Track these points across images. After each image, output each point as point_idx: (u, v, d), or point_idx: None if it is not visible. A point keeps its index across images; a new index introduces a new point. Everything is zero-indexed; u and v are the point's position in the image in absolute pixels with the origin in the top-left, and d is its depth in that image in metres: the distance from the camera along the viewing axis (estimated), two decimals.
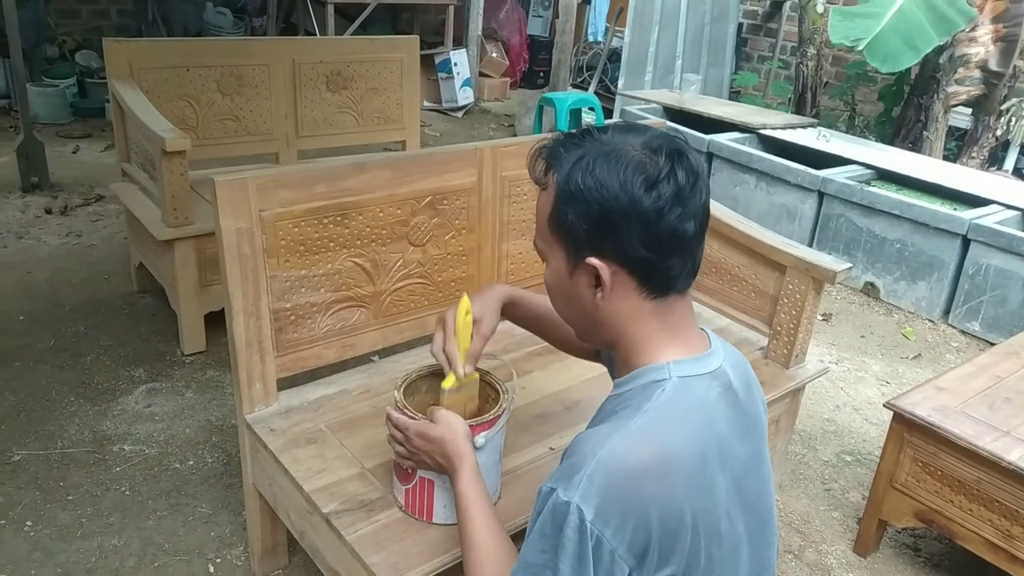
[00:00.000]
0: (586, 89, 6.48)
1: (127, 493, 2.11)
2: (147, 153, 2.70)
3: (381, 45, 3.48)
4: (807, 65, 4.92)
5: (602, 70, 6.52)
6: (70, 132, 5.03)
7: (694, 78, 4.68)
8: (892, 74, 4.59)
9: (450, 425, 1.28)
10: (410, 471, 1.39)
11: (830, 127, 4.91)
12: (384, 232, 1.78)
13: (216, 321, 2.77)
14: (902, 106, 4.78)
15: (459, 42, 6.56)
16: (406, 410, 1.33)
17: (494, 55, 6.99)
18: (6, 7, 3.66)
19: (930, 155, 4.61)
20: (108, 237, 3.64)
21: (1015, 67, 4.36)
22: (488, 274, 2.02)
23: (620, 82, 6.15)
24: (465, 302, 1.38)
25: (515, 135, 6.00)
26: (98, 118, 5.38)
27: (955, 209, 3.55)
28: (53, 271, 3.27)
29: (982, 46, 4.15)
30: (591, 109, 5.09)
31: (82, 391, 2.51)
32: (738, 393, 1.06)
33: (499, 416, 1.38)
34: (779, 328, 2.07)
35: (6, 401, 2.42)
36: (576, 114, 4.96)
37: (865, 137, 5.00)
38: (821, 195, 3.79)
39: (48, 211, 3.85)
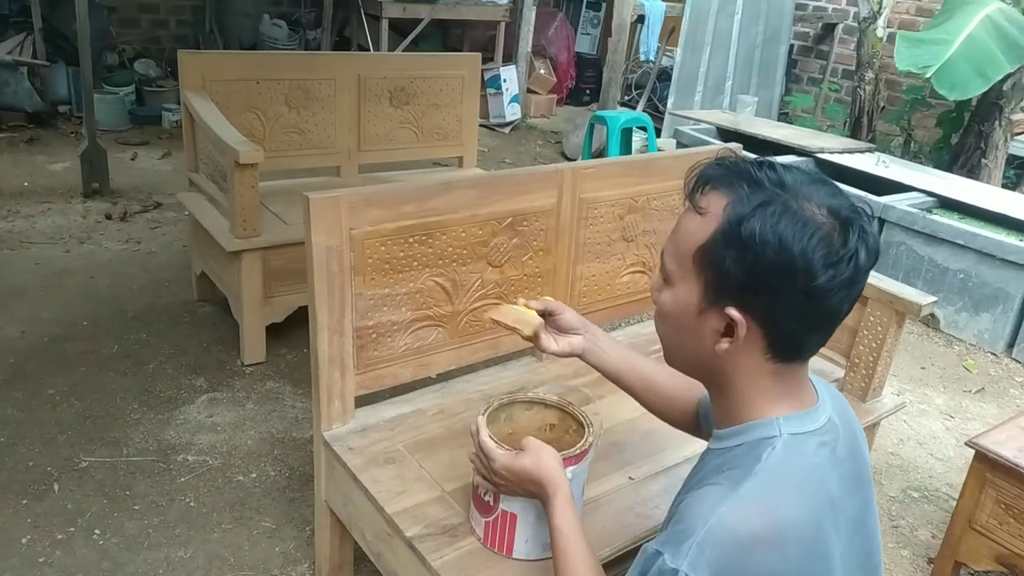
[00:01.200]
0: (634, 107, 6.46)
1: (192, 504, 2.11)
2: (217, 164, 2.73)
3: (443, 62, 3.49)
4: (864, 89, 4.86)
5: (651, 89, 6.49)
6: (128, 139, 5.12)
7: (749, 99, 4.63)
8: (954, 101, 4.51)
9: (541, 454, 1.26)
10: (491, 503, 1.36)
11: (884, 152, 4.83)
12: (465, 252, 1.77)
13: (275, 332, 2.79)
14: (962, 133, 4.69)
15: (508, 58, 6.58)
16: (492, 440, 1.31)
17: (542, 72, 7.00)
18: (79, 17, 3.73)
19: (988, 183, 4.51)
20: (167, 245, 3.68)
21: None
22: (561, 296, 2.00)
23: (670, 101, 6.12)
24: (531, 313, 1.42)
25: (562, 152, 5.99)
26: (154, 125, 5.47)
27: (1022, 240, 3.46)
28: (114, 277, 3.31)
29: None
30: (642, 128, 5.06)
31: (145, 399, 2.53)
32: (847, 446, 1.02)
33: (587, 451, 1.35)
34: (857, 360, 2.02)
35: (72, 407, 2.45)
36: (627, 133, 4.93)
37: (920, 163, 4.91)
38: (882, 222, 3.71)
39: (108, 217, 3.91)
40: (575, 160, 5.74)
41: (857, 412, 1.95)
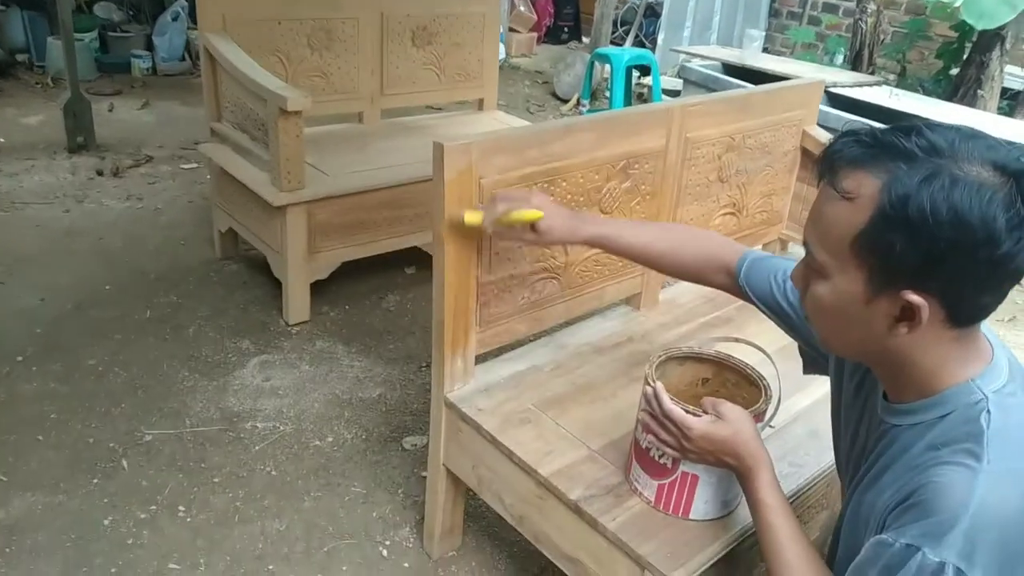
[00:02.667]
0: (622, 44, 6.31)
1: (273, 473, 2.00)
2: (248, 112, 2.53)
3: None
4: (866, 21, 4.80)
5: (638, 26, 6.34)
6: (99, 89, 4.78)
7: (756, 34, 4.56)
8: (962, 31, 4.50)
9: (740, 422, 1.19)
10: (669, 466, 1.30)
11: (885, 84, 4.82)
12: (582, 199, 1.67)
13: (316, 289, 2.64)
14: (963, 64, 4.70)
15: None
16: (679, 405, 1.23)
17: (522, 9, 6.78)
18: None
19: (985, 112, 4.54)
20: (171, 201, 3.46)
21: None
22: None
23: (660, 38, 6.00)
24: (536, 215, 1.35)
25: (553, 92, 5.84)
26: (124, 74, 5.13)
27: None
28: (125, 237, 3.10)
29: None
30: (641, 67, 4.93)
31: (193, 365, 2.38)
32: None
33: (764, 411, 1.28)
34: None
35: (119, 377, 2.29)
36: (629, 72, 4.81)
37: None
38: None
39: (100, 173, 3.65)
40: (567, 100, 5.60)
41: None
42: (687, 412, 1.21)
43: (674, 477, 1.30)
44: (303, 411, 2.23)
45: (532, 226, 1.38)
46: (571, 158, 1.61)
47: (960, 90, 4.74)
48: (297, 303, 2.61)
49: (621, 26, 6.54)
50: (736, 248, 1.40)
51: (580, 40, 7.51)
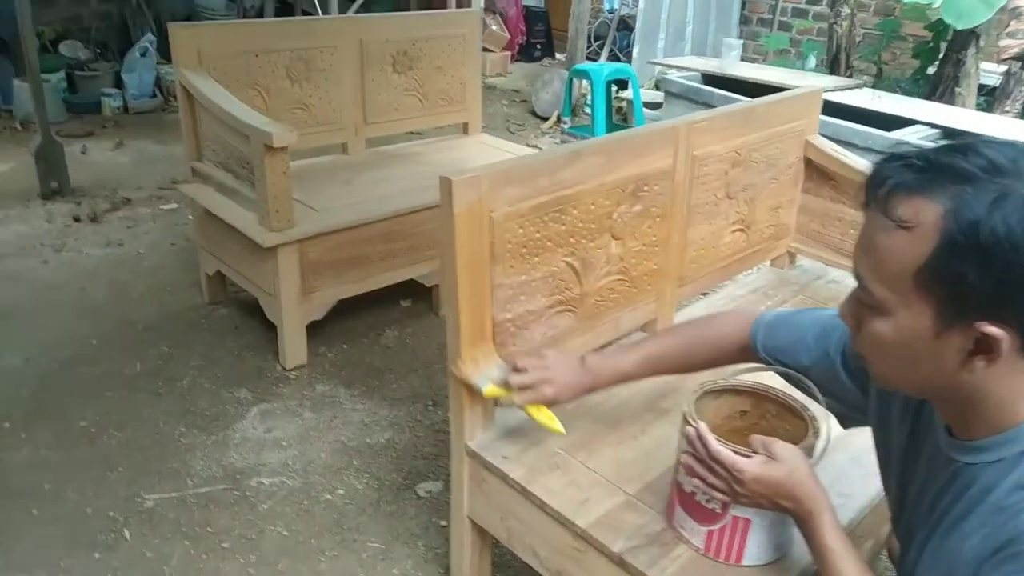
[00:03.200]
0: (596, 59, 6.28)
1: (285, 534, 1.90)
2: (231, 150, 2.44)
3: (444, 20, 3.25)
4: (841, 25, 4.82)
5: (611, 40, 6.32)
6: (70, 131, 4.65)
7: (735, 43, 4.54)
8: (938, 29, 4.52)
9: (795, 461, 1.11)
10: (718, 511, 1.22)
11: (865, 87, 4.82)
12: (593, 227, 1.60)
13: (311, 330, 2.55)
14: (940, 63, 4.71)
15: None
16: (726, 445, 1.15)
17: (494, 28, 6.74)
18: None
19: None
20: (154, 245, 3.34)
21: None
22: (673, 264, 1.86)
23: (635, 50, 5.98)
24: (556, 429, 1.41)
25: (532, 111, 5.79)
26: (93, 113, 5.01)
27: None
28: (108, 286, 2.98)
29: None
30: (619, 82, 4.90)
31: (190, 419, 2.27)
32: None
33: (812, 446, 1.21)
34: None
35: (113, 439, 2.18)
36: (609, 87, 4.77)
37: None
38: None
39: (76, 219, 3.53)
40: (547, 118, 5.56)
41: None
42: (737, 453, 1.14)
43: (724, 522, 1.23)
44: (310, 462, 2.13)
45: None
46: (581, 184, 1.54)
47: (939, 88, 4.76)
48: (294, 346, 2.51)
49: (595, 40, 6.52)
50: (744, 322, 1.34)
51: (553, 57, 7.49)
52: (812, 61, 5.57)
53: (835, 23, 4.85)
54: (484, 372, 1.42)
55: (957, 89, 4.72)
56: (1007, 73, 4.68)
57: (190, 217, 2.99)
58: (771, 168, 2.05)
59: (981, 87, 5.01)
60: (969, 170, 0.79)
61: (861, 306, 0.90)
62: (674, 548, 1.28)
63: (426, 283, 2.81)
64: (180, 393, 2.38)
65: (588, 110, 5.53)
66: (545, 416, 1.41)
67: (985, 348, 0.81)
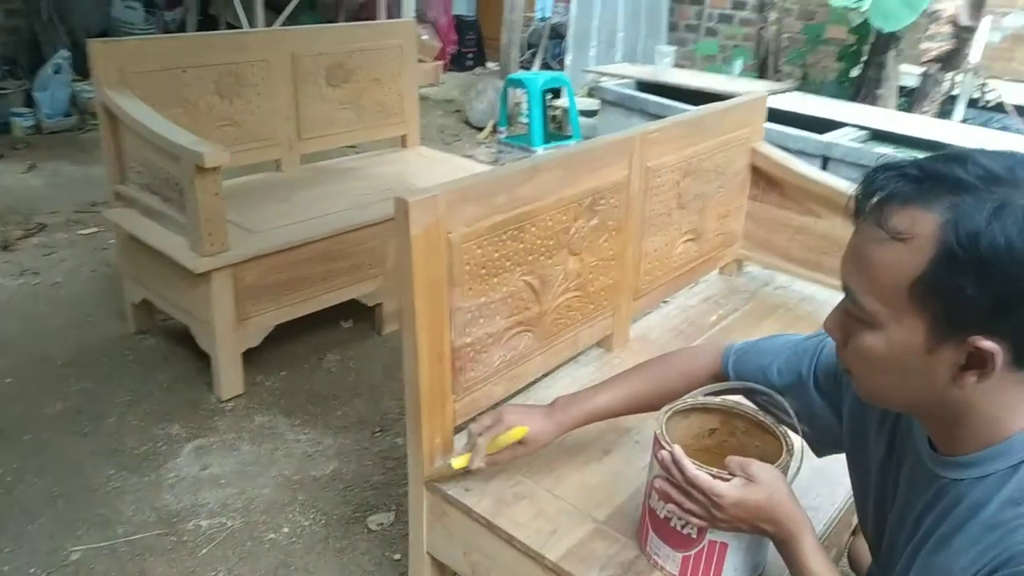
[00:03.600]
0: (529, 68, 6.27)
1: None
2: (158, 171, 2.29)
3: (379, 31, 3.15)
4: (768, 30, 4.91)
5: (543, 48, 6.32)
6: None
7: (667, 49, 4.55)
8: (861, 33, 4.65)
9: (774, 482, 1.07)
10: (694, 536, 1.17)
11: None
12: (551, 243, 1.54)
13: (247, 358, 2.41)
14: (864, 66, 4.85)
15: None
16: (703, 469, 1.10)
17: (425, 38, 6.65)
18: None
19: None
20: (71, 273, 3.14)
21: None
22: (629, 277, 1.81)
23: (568, 58, 5.98)
24: (521, 432, 1.31)
25: (466, 121, 5.72)
26: (3, 135, 4.71)
27: None
28: (24, 320, 2.77)
29: (952, 1, 4.23)
30: (553, 91, 4.88)
31: (120, 460, 2.11)
32: None
33: (787, 465, 1.17)
34: None
35: (33, 487, 2.00)
36: (545, 96, 4.73)
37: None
38: (825, 160, 3.75)
39: None
40: (482, 128, 5.50)
41: None
42: (715, 477, 1.09)
43: (700, 547, 1.17)
44: (251, 500, 2.00)
45: (520, 441, 1.31)
46: (539, 200, 1.48)
47: (862, 90, 4.89)
48: (229, 376, 2.37)
49: (527, 49, 6.50)
50: (714, 353, 1.32)
51: (485, 66, 7.45)
52: (739, 66, 5.67)
53: (763, 28, 4.93)
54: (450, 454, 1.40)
55: (879, 91, 4.86)
56: (925, 75, 4.84)
57: (111, 242, 2.81)
58: (720, 176, 2.03)
59: (901, 88, 5.19)
60: (966, 180, 0.76)
61: (850, 319, 0.86)
62: (649, 575, 1.23)
63: (368, 303, 2.70)
64: (107, 432, 2.22)
65: (523, 119, 5.50)
66: (509, 436, 1.32)
67: (978, 363, 0.79)
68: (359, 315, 2.83)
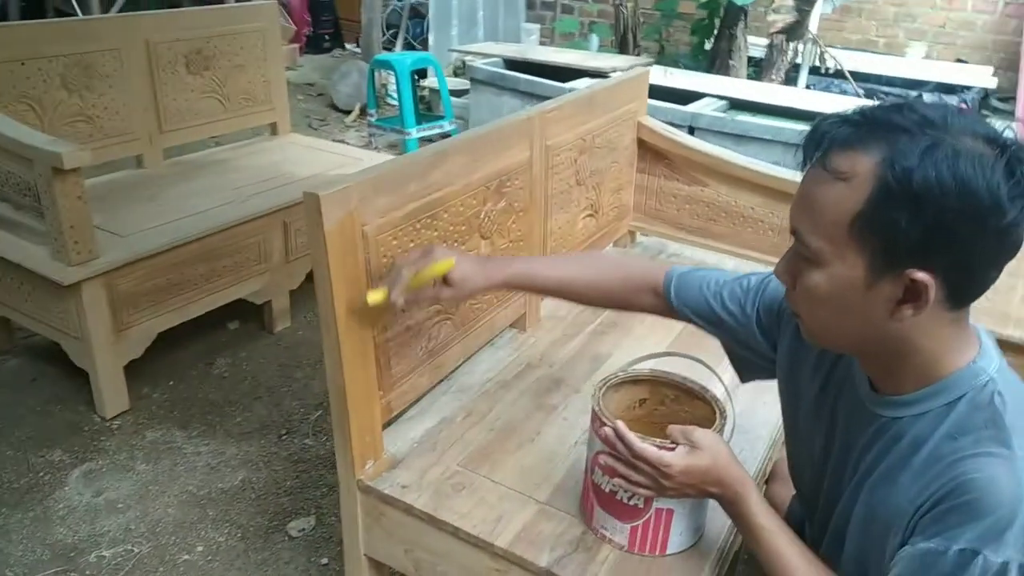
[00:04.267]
0: (391, 49, 6.14)
1: None
2: (7, 176, 2.07)
3: (239, 14, 2.97)
4: (626, 7, 5.04)
5: (404, 28, 6.20)
6: None
7: (532, 27, 4.60)
8: (711, 7, 4.86)
9: (717, 446, 1.11)
10: (641, 506, 1.20)
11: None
12: (463, 228, 1.52)
13: (128, 370, 2.24)
14: (715, 39, 5.08)
15: None
16: (648, 440, 1.13)
17: (280, 20, 6.34)
18: None
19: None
20: None
21: None
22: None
23: (431, 38, 5.90)
24: (447, 265, 1.23)
25: (332, 104, 5.54)
26: None
27: None
28: None
29: None
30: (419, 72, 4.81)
31: None
32: None
33: (723, 428, 1.22)
34: None
35: None
36: (414, 76, 4.65)
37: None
38: (692, 130, 3.91)
39: None
40: (349, 111, 5.35)
41: None
42: (659, 447, 1.12)
43: (647, 516, 1.21)
44: (156, 522, 1.87)
45: (445, 279, 1.23)
46: (449, 186, 1.45)
47: (716, 62, 5.13)
48: (111, 392, 2.20)
49: (387, 30, 6.35)
50: (657, 268, 1.33)
51: (343, 47, 7.22)
52: (595, 42, 5.80)
53: (621, 4, 5.06)
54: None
55: (731, 62, 5.12)
56: (770, 46, 5.14)
57: None
58: (612, 152, 2.08)
59: (749, 59, 5.49)
60: (903, 123, 0.82)
61: (798, 262, 0.92)
62: (599, 550, 1.25)
63: (256, 301, 2.58)
64: None
65: (391, 101, 5.39)
66: (434, 269, 1.22)
67: (913, 296, 0.84)
68: (246, 315, 2.70)
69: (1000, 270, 0.86)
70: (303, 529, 1.87)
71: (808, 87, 5.46)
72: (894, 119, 0.83)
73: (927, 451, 0.89)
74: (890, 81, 5.59)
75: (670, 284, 1.29)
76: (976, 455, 0.85)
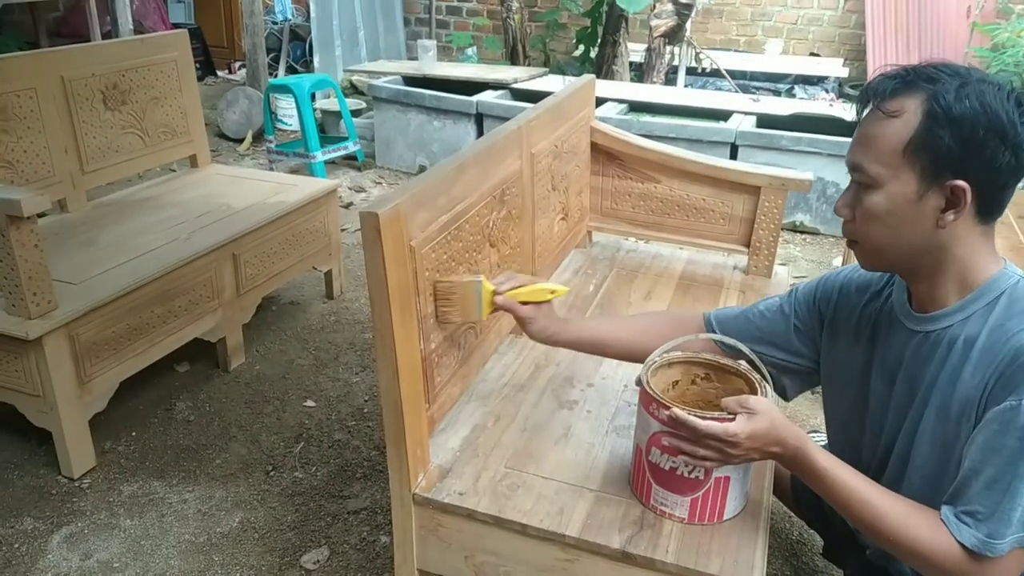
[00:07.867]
0: (274, 74, 6.00)
1: None
2: None
3: (151, 45, 2.84)
4: (513, 19, 5.19)
5: (286, 52, 6.08)
6: None
7: (429, 43, 4.63)
8: (594, 16, 5.09)
9: (770, 409, 1.21)
10: (702, 478, 1.29)
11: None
12: (479, 238, 1.56)
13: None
14: (600, 45, 5.32)
15: (108, 38, 5.56)
16: (708, 416, 1.22)
17: None
18: None
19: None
20: None
21: None
22: (526, 260, 1.88)
23: (316, 60, 5.83)
24: (563, 290, 1.48)
25: (220, 133, 5.35)
26: None
27: (718, 123, 4.12)
28: None
29: None
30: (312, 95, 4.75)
31: None
32: None
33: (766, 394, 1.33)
34: (758, 244, 2.27)
35: None
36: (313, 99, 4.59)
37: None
38: None
39: None
40: (241, 140, 5.20)
41: (769, 288, 2.24)
42: (721, 421, 1.21)
43: (707, 487, 1.30)
44: None
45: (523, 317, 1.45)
46: (467, 197, 1.50)
47: (603, 68, 5.38)
48: (78, 450, 2.07)
49: (268, 54, 6.21)
50: (693, 313, 1.54)
51: (215, 75, 6.98)
52: (473, 54, 5.91)
53: (508, 18, 5.20)
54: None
55: (615, 67, 5.38)
56: (649, 49, 5.45)
57: None
58: (575, 156, 2.17)
59: (632, 64, 5.79)
60: (939, 75, 1.07)
61: (858, 191, 1.12)
62: (662, 526, 1.32)
63: (212, 339, 2.49)
64: None
65: (283, 126, 5.28)
66: (538, 291, 1.45)
67: (954, 202, 1.06)
68: (196, 356, 2.60)
69: (1013, 188, 1.08)
70: (318, 561, 1.84)
71: (687, 86, 5.81)
72: (930, 72, 1.07)
73: (981, 343, 1.09)
74: (755, 76, 6.04)
75: (711, 320, 1.49)
76: (996, 339, 1.07)
